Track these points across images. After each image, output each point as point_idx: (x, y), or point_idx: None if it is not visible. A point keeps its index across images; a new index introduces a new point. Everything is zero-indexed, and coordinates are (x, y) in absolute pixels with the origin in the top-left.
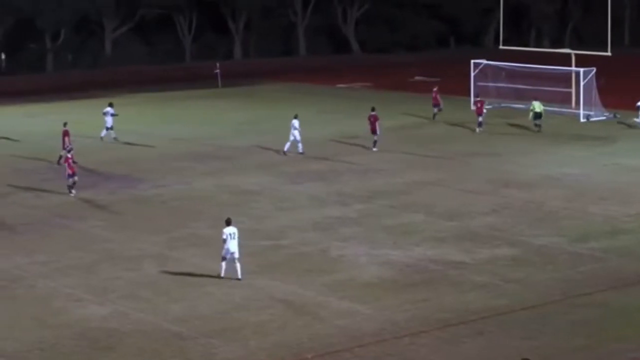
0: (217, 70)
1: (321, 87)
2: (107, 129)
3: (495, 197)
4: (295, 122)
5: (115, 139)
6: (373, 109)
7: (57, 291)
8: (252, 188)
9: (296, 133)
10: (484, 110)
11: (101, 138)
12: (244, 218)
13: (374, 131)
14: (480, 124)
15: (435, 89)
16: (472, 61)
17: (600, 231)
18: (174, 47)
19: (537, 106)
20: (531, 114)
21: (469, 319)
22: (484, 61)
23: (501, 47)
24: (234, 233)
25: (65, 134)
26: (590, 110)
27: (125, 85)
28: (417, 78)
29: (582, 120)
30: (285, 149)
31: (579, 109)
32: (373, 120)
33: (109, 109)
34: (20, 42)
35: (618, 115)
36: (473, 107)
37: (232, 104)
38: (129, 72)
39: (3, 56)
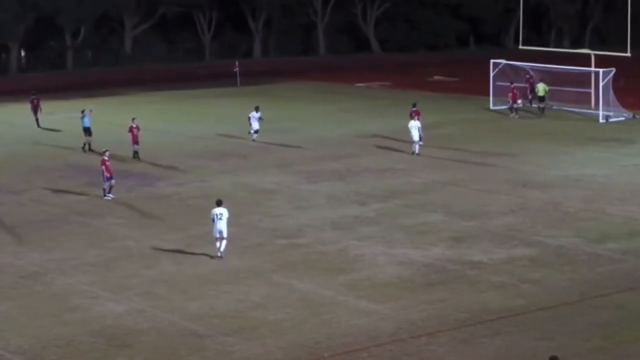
0: (236, 69)
1: (340, 86)
2: (255, 131)
3: (513, 197)
4: (413, 123)
5: (253, 140)
6: (414, 105)
7: (74, 288)
8: (270, 187)
9: (415, 133)
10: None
11: (253, 140)
12: (262, 216)
13: None
14: (513, 109)
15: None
16: (492, 61)
17: (619, 232)
18: (194, 46)
19: (542, 89)
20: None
21: (486, 319)
22: (504, 61)
23: (521, 47)
24: (221, 214)
25: (137, 128)
26: (610, 111)
27: (145, 84)
28: (436, 77)
29: (601, 120)
30: (416, 151)
31: (598, 109)
32: (415, 116)
33: (254, 113)
34: (41, 39)
35: (637, 116)
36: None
37: (251, 103)
38: (148, 70)
39: (23, 53)
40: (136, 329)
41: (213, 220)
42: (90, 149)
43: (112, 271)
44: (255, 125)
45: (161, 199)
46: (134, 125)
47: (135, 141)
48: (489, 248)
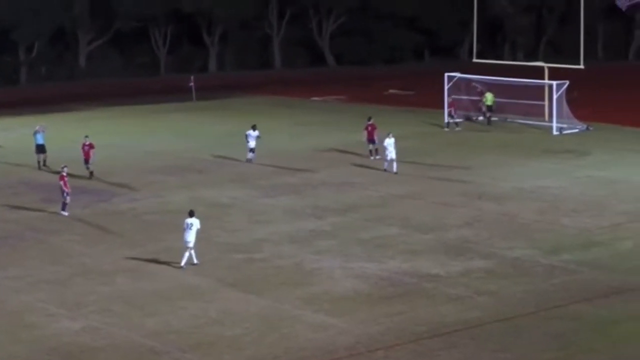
0: (192, 84)
1: (296, 100)
2: (251, 150)
3: (469, 209)
4: (388, 140)
5: (250, 160)
6: (370, 119)
7: (30, 305)
8: (227, 201)
9: (391, 150)
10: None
11: (249, 161)
12: (219, 231)
13: (371, 140)
14: (451, 123)
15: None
16: (446, 74)
17: (574, 243)
18: (149, 60)
19: (490, 99)
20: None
21: (443, 331)
22: (458, 74)
23: (475, 60)
24: (191, 224)
25: (88, 146)
26: (564, 123)
27: (101, 98)
28: (391, 91)
29: (555, 133)
30: (395, 170)
31: (552, 121)
32: (371, 130)
33: (251, 131)
34: None
35: (591, 128)
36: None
37: (207, 117)
38: (104, 85)
39: None
40: (93, 346)
41: (184, 230)
42: (45, 165)
43: (68, 288)
44: (253, 143)
45: (117, 214)
46: (86, 143)
47: (87, 159)
48: (446, 261)
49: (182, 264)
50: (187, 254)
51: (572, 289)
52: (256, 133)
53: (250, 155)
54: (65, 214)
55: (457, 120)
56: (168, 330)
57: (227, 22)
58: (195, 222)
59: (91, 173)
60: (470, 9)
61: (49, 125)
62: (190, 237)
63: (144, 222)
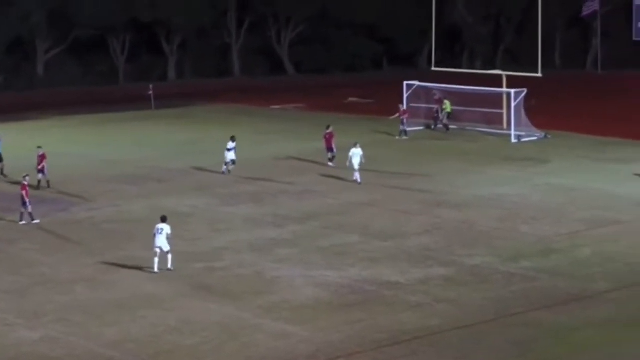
0: (151, 92)
1: (256, 109)
2: (226, 163)
3: (428, 217)
4: (354, 150)
5: (226, 172)
6: (328, 127)
7: None
8: (187, 210)
9: (355, 161)
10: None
11: (223, 173)
12: (178, 240)
13: (330, 149)
14: (403, 132)
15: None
16: (405, 82)
17: (533, 251)
18: (108, 69)
19: (448, 106)
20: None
21: (403, 339)
22: (417, 82)
23: (433, 68)
24: (162, 229)
25: (41, 157)
26: (522, 131)
27: (59, 107)
28: (350, 99)
29: (513, 140)
30: (359, 180)
31: (510, 129)
32: (329, 138)
33: (230, 143)
34: None
35: (549, 136)
36: (399, 116)
37: (167, 126)
38: (63, 94)
39: None
40: (51, 356)
41: (154, 235)
42: (2, 174)
43: (27, 298)
44: (232, 155)
45: (76, 224)
46: (40, 153)
47: (40, 169)
48: (406, 268)
49: (169, 266)
50: (170, 257)
51: (531, 296)
52: (234, 145)
53: (224, 168)
54: (37, 221)
55: (405, 129)
56: (127, 339)
57: (185, 31)
58: (165, 228)
59: (48, 182)
60: (429, 18)
61: (6, 135)
62: (160, 242)
63: (103, 231)
